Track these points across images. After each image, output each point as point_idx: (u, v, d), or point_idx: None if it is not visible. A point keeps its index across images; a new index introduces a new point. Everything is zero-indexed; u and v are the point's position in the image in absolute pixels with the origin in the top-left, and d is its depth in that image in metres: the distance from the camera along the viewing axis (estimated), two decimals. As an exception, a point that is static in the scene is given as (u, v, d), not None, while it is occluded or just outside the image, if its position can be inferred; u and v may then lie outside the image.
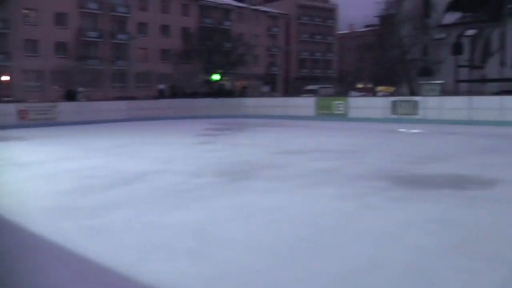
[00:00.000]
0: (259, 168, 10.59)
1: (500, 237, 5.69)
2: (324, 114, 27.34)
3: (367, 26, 76.86)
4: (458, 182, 8.84)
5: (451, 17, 60.84)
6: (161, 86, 43.18)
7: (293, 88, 62.63)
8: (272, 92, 64.33)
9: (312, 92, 44.50)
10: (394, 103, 24.67)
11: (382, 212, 6.84)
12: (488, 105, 22.28)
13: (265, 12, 74.82)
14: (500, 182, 8.85)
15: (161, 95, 40.15)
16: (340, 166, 10.87)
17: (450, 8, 62.00)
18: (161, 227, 6.21)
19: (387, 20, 61.31)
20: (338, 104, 27.23)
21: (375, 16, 66.65)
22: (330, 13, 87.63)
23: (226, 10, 68.52)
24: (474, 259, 4.89)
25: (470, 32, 42.02)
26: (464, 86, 36.25)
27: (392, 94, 45.21)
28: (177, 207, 7.26)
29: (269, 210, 7.00)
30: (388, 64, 59.89)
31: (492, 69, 40.46)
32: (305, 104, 29.30)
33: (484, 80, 42.45)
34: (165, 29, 61.78)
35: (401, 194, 7.93)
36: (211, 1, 65.99)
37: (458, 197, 7.70)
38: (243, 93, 44.37)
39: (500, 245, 5.37)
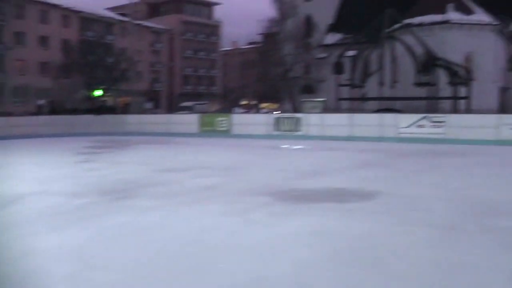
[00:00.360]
0: (142, 186, 10.28)
1: (376, 245, 5.89)
2: (208, 131, 27.11)
3: (250, 43, 78.22)
4: (338, 196, 9.03)
5: (332, 38, 63.32)
6: (40, 102, 41.30)
7: (176, 105, 62.22)
8: (155, 109, 63.66)
9: (188, 109, 44.26)
10: (277, 120, 25.01)
11: (264, 227, 6.80)
12: (368, 122, 23.17)
13: (148, 27, 73.93)
14: (378, 194, 9.16)
15: (40, 111, 38.35)
16: (223, 183, 10.78)
17: (332, 29, 64.57)
18: (39, 252, 5.78)
19: (270, 38, 62.66)
20: (221, 121, 27.17)
21: (258, 34, 67.99)
22: (214, 29, 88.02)
23: (108, 24, 66.81)
24: (352, 267, 5.08)
25: (351, 52, 43.76)
26: (345, 104, 37.64)
27: (275, 111, 46.05)
28: (56, 230, 6.81)
29: (153, 228, 6.79)
30: (271, 81, 61.21)
31: (371, 88, 42.37)
32: (188, 121, 28.95)
33: (364, 99, 44.36)
34: (44, 40, 58.56)
35: (283, 209, 7.97)
36: (92, 13, 64.14)
37: (338, 210, 7.87)
38: (125, 109, 43.44)
39: (377, 252, 5.58)
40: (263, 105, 75.45)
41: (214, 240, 6.19)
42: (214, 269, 5.06)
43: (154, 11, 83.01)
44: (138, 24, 69.55)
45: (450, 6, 46.35)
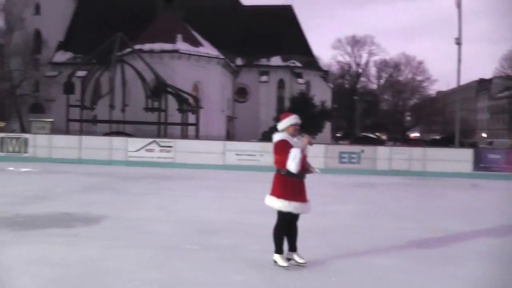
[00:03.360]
0: None
1: (98, 269, 5.88)
2: None
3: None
4: (64, 221, 8.78)
5: (62, 56, 61.46)
6: None
7: None
8: None
9: None
10: (2, 140, 23.24)
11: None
12: (97, 145, 22.87)
13: None
14: (104, 218, 9.15)
15: None
16: None
17: (62, 47, 62.65)
18: None
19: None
20: None
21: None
22: None
23: None
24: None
25: (81, 73, 42.92)
26: (75, 125, 36.69)
27: (1, 130, 42.74)
28: None
29: None
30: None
31: (102, 110, 42.00)
32: None
33: (94, 121, 43.77)
34: None
35: (5, 237, 7.45)
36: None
37: (62, 235, 7.66)
38: None
39: (99, 277, 5.60)
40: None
41: None
42: None
43: None
44: None
45: (179, 36, 48.49)
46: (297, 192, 5.95)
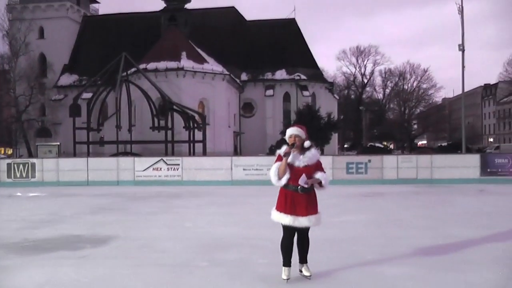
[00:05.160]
0: None
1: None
2: None
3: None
4: (73, 243, 8.79)
5: (67, 79, 61.91)
6: None
7: None
8: None
9: None
10: (9, 166, 23.32)
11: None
12: (105, 166, 22.92)
13: None
14: (113, 238, 9.17)
15: None
16: None
17: (67, 69, 63.07)
18: None
19: (0, 76, 58.39)
20: None
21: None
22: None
23: None
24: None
25: (87, 95, 43.21)
26: (83, 147, 36.81)
27: (9, 156, 43.01)
28: None
29: None
30: (4, 124, 57.19)
31: (108, 131, 42.20)
32: None
33: (101, 142, 43.97)
34: None
35: (14, 261, 7.45)
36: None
37: (71, 257, 7.65)
38: None
39: None
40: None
41: None
42: None
43: None
44: None
45: (183, 54, 48.74)
46: (294, 205, 5.87)
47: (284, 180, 5.80)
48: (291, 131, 5.99)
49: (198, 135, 38.53)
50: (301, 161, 5.88)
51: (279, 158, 5.89)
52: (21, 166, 23.18)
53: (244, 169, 21.62)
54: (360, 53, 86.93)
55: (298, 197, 5.87)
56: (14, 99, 54.67)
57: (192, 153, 36.89)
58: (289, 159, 5.80)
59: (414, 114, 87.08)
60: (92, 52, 61.38)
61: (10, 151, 65.97)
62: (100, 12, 75.23)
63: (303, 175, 5.83)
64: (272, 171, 5.83)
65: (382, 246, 8.09)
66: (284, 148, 5.90)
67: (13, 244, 8.78)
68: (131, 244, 8.69)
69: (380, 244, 8.29)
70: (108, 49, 57.13)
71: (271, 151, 44.41)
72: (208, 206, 14.58)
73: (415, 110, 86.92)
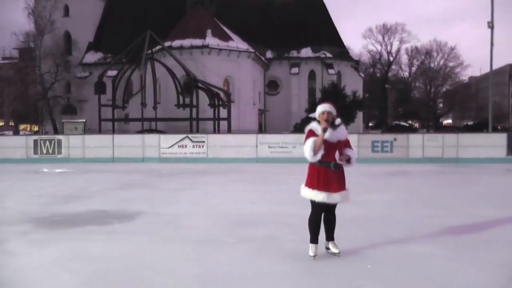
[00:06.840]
0: None
1: (138, 264, 5.91)
2: None
3: (4, 58, 72.86)
4: (101, 218, 8.92)
5: (92, 57, 62.18)
6: None
7: None
8: None
9: None
10: (36, 142, 23.64)
11: (22, 257, 6.43)
12: (130, 143, 23.08)
13: None
14: (141, 214, 9.29)
15: None
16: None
17: (92, 47, 63.35)
18: None
19: (26, 54, 59.01)
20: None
21: (14, 48, 63.81)
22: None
23: None
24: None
25: (112, 72, 43.41)
26: (108, 124, 37.12)
27: (35, 133, 43.61)
28: None
29: None
30: (30, 101, 57.85)
31: (133, 109, 42.47)
32: None
33: (126, 120, 44.30)
34: None
35: (44, 236, 7.60)
36: None
37: (100, 232, 7.78)
38: None
39: (140, 271, 5.65)
40: (22, 126, 71.05)
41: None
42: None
43: None
44: None
45: (208, 31, 48.58)
46: (326, 182, 5.87)
47: (319, 156, 5.80)
48: (323, 108, 5.96)
49: (223, 112, 38.56)
50: (333, 137, 5.88)
51: (310, 134, 5.88)
52: (47, 142, 23.48)
53: (269, 147, 21.61)
54: (386, 31, 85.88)
55: (331, 173, 5.87)
56: (40, 76, 55.21)
57: (217, 130, 36.97)
58: (325, 135, 5.80)
59: (440, 93, 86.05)
60: (116, 30, 61.56)
61: (36, 128, 66.85)
62: (125, -10, 75.23)
63: (337, 151, 5.85)
64: (307, 146, 5.78)
65: (409, 225, 8.07)
66: (313, 124, 5.90)
67: (42, 219, 8.94)
68: (158, 220, 8.79)
69: (406, 223, 8.27)
70: (133, 27, 57.29)
71: (296, 129, 44.34)
72: (234, 183, 14.65)
73: (441, 88, 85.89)
